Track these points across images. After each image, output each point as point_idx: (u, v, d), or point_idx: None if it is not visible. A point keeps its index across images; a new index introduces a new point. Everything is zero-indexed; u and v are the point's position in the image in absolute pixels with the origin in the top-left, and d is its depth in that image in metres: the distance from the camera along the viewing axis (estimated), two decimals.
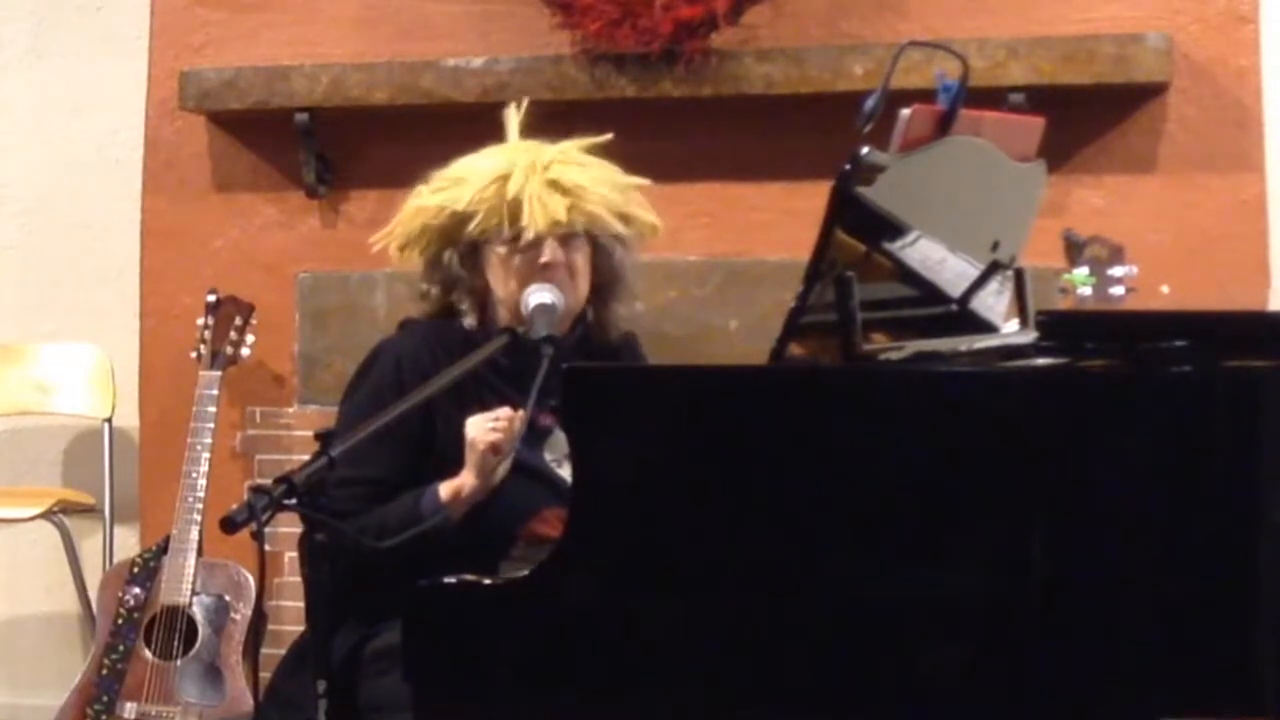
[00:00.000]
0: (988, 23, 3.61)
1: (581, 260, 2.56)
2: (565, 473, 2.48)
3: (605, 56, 3.69)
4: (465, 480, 2.38)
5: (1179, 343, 1.91)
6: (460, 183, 2.56)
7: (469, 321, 2.55)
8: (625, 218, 2.61)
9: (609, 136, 2.66)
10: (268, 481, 1.96)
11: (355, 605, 2.39)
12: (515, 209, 2.51)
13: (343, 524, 2.09)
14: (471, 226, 2.53)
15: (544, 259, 2.51)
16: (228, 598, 3.56)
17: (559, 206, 2.51)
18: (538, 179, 2.52)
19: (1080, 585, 1.82)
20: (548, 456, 2.50)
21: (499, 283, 2.54)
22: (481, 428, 2.36)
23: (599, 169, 2.60)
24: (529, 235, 2.51)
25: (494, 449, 2.35)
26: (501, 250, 2.54)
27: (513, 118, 2.65)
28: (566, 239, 2.53)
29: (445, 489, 2.38)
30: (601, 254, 2.59)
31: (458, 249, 2.56)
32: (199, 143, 4.05)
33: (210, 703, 3.47)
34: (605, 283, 2.60)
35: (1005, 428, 1.85)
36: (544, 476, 2.48)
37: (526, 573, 2.00)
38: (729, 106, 3.71)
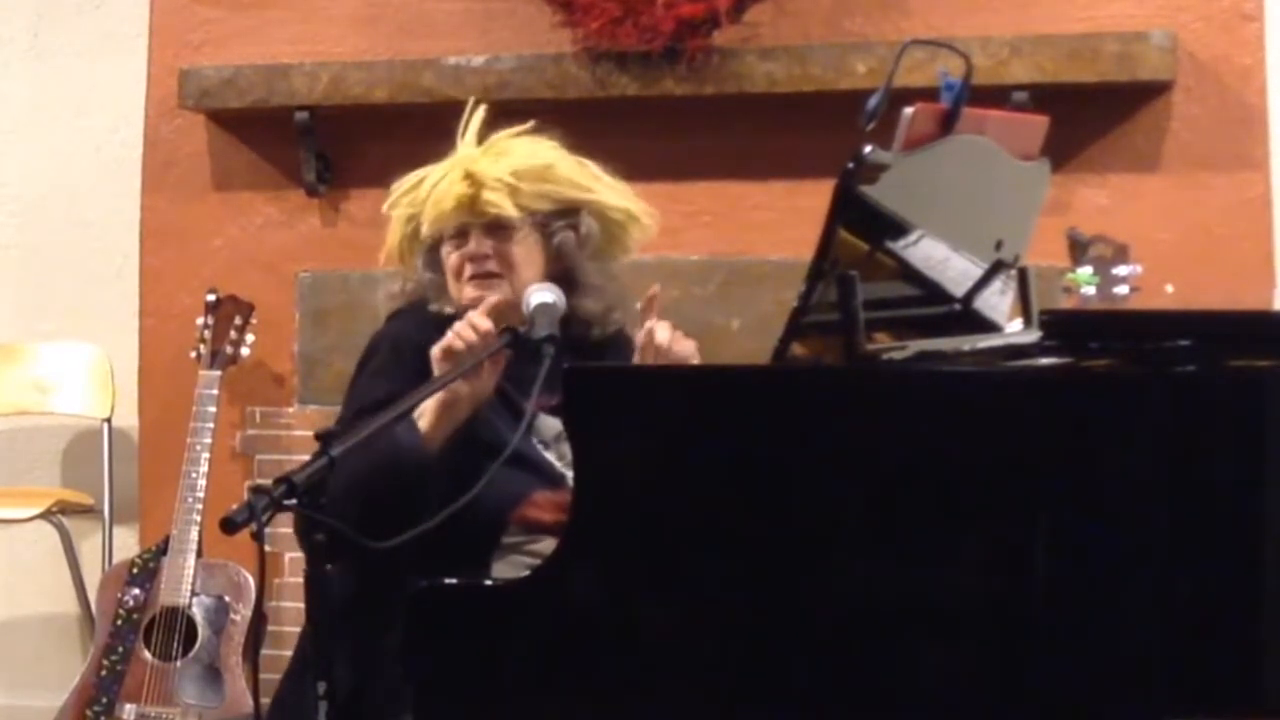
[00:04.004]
0: (991, 21, 3.60)
1: (520, 251, 2.54)
2: (552, 456, 2.50)
3: (607, 55, 3.68)
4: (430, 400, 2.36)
5: (1183, 342, 1.91)
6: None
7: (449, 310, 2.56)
8: (543, 198, 2.56)
9: (529, 125, 2.63)
10: (268, 481, 1.95)
11: (360, 606, 2.38)
12: (425, 205, 2.56)
13: (342, 525, 2.07)
14: (410, 229, 2.59)
15: (468, 250, 2.53)
16: (227, 599, 3.56)
17: (450, 197, 2.52)
18: (455, 175, 2.53)
19: (1084, 585, 1.81)
20: (534, 441, 2.50)
21: (450, 281, 2.56)
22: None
23: (518, 157, 2.57)
24: (426, 230, 2.55)
25: (445, 352, 2.34)
26: (443, 249, 2.57)
27: (474, 119, 2.63)
28: (494, 230, 2.53)
29: (422, 417, 2.37)
30: (547, 242, 2.57)
31: (422, 253, 2.60)
32: (198, 141, 4.05)
33: (210, 704, 3.46)
34: (557, 274, 2.57)
35: (1009, 428, 1.84)
36: (532, 461, 2.47)
37: (528, 574, 1.99)
38: (731, 105, 3.71)
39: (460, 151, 2.59)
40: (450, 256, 2.55)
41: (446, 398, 2.34)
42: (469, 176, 2.52)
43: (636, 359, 2.55)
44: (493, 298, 2.46)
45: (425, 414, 2.35)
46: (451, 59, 3.78)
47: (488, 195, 2.51)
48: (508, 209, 2.51)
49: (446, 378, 2.29)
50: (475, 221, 2.52)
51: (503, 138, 2.60)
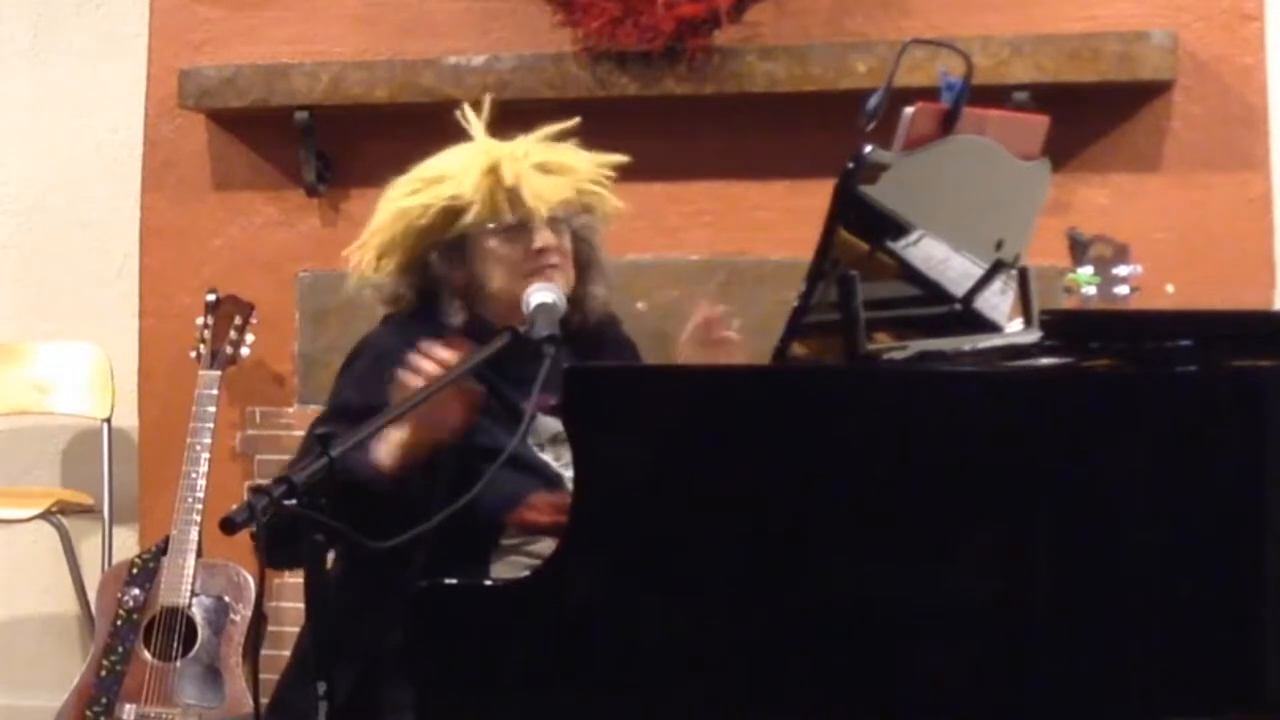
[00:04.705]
0: (992, 20, 3.60)
1: (569, 244, 2.58)
2: (548, 457, 2.51)
3: (607, 54, 3.68)
4: (394, 429, 2.32)
5: (1184, 342, 1.91)
6: (441, 181, 2.55)
7: (456, 320, 2.54)
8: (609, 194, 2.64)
9: (576, 121, 2.65)
10: (268, 481, 1.94)
11: (360, 606, 2.38)
12: (514, 197, 2.52)
13: (342, 525, 2.07)
14: (467, 219, 2.53)
15: (537, 244, 2.52)
16: (227, 599, 3.55)
17: (559, 186, 2.53)
18: (524, 165, 2.53)
19: (1084, 585, 1.81)
20: (530, 442, 2.49)
21: (493, 275, 2.54)
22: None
23: (573, 152, 2.61)
24: (538, 218, 2.52)
25: (403, 387, 2.29)
26: (492, 242, 2.54)
27: (475, 116, 2.64)
28: (554, 224, 2.55)
29: (383, 447, 2.32)
30: (578, 239, 2.60)
31: (441, 247, 2.56)
32: (198, 141, 4.05)
33: (210, 704, 3.46)
34: (583, 266, 2.61)
35: (1009, 427, 1.84)
36: (529, 464, 2.47)
37: (528, 574, 1.99)
38: (732, 105, 3.70)
39: (494, 146, 2.58)
40: (499, 249, 2.53)
41: (409, 440, 2.31)
42: (548, 167, 2.55)
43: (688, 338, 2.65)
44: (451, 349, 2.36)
45: (386, 446, 2.31)
46: (451, 59, 3.77)
47: (590, 186, 2.57)
48: (611, 202, 2.60)
49: (423, 396, 2.24)
50: (542, 214, 2.53)
51: (548, 134, 2.62)
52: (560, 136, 2.63)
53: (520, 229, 2.53)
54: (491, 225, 2.53)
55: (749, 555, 1.85)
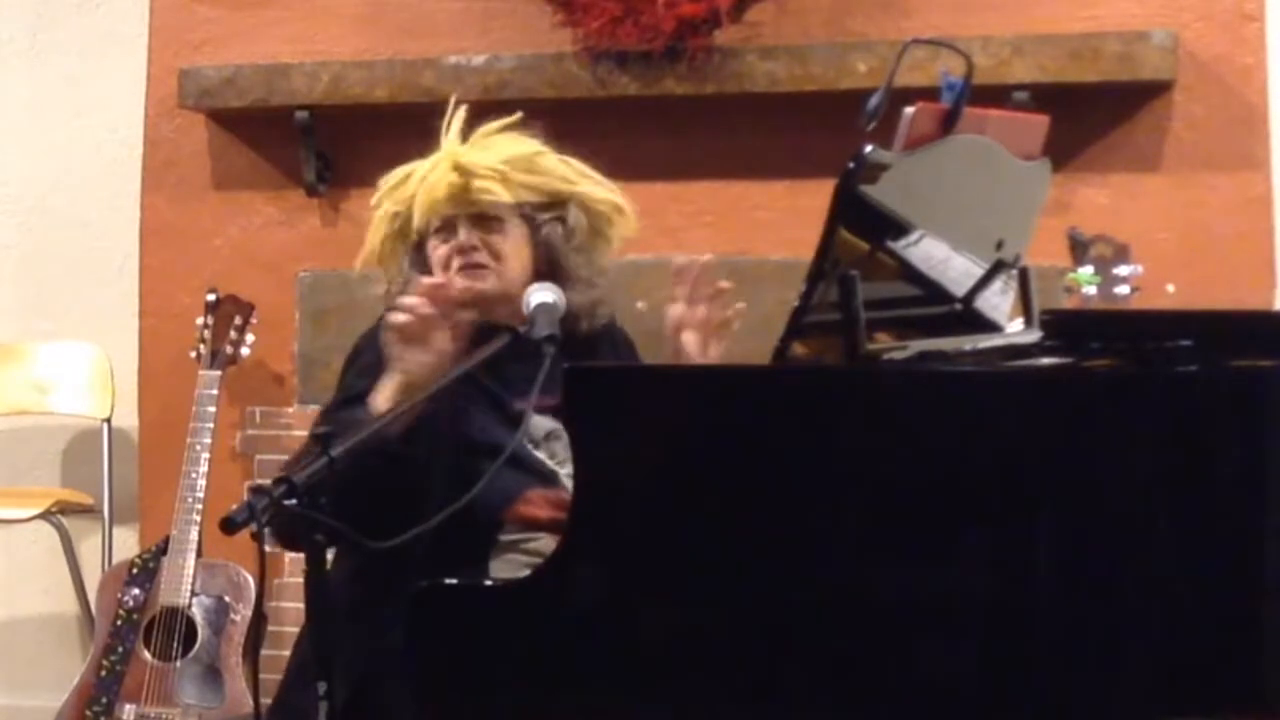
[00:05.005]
0: (992, 20, 3.60)
1: (505, 242, 2.54)
2: (542, 455, 2.51)
3: (607, 54, 3.68)
4: (386, 378, 2.34)
5: (1184, 342, 1.90)
6: (392, 188, 2.62)
7: None
8: (531, 189, 2.57)
9: (517, 116, 2.63)
10: (268, 481, 1.94)
11: (361, 606, 2.37)
12: (414, 200, 2.55)
13: (342, 525, 2.07)
14: (395, 226, 2.59)
15: (451, 245, 2.52)
16: (227, 599, 3.55)
17: (442, 186, 2.52)
18: (444, 166, 2.54)
19: (1084, 584, 1.81)
20: (523, 440, 2.49)
21: (435, 275, 2.54)
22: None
23: (506, 146, 2.59)
24: (417, 223, 2.54)
25: (399, 333, 2.31)
26: (429, 244, 2.57)
27: (454, 120, 2.63)
28: (480, 220, 2.53)
29: (379, 396, 2.34)
30: (534, 235, 2.58)
31: (408, 251, 2.60)
32: (199, 141, 4.05)
33: (210, 704, 3.46)
34: (545, 267, 2.57)
35: (1009, 427, 1.84)
36: (523, 461, 2.47)
37: (528, 573, 1.99)
38: (732, 104, 3.70)
39: (446, 146, 2.59)
40: (437, 250, 2.55)
41: (403, 379, 2.32)
42: (458, 168, 2.52)
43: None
44: (477, 284, 2.46)
45: (383, 395, 2.33)
46: (451, 59, 3.77)
47: (479, 184, 2.52)
48: (501, 195, 2.52)
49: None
50: (463, 213, 2.52)
51: (488, 131, 2.61)
52: (514, 131, 2.62)
53: (448, 230, 2.53)
54: (419, 228, 2.55)
55: (749, 555, 1.85)
